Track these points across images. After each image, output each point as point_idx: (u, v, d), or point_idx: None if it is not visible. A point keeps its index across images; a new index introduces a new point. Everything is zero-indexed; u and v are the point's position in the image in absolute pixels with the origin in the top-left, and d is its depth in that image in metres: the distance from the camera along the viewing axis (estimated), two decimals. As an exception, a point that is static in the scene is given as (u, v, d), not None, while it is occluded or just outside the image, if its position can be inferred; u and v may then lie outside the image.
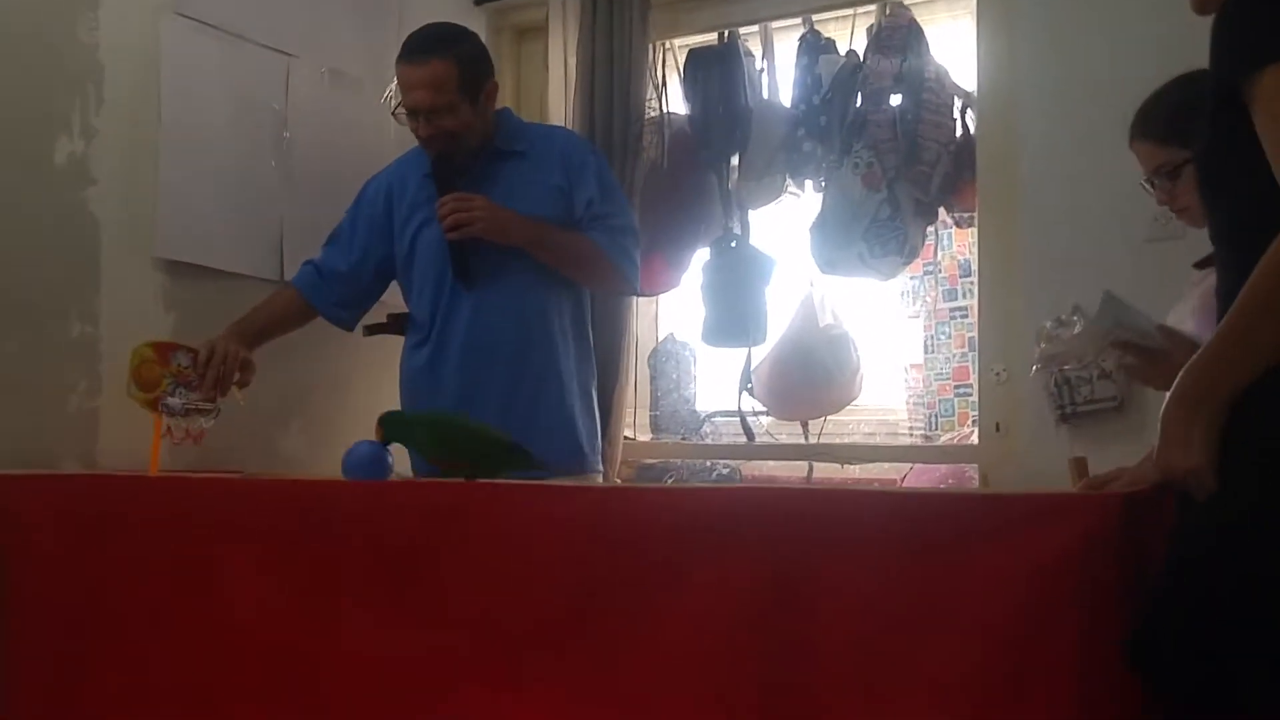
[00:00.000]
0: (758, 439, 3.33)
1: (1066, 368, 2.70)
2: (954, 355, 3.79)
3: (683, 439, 3.54)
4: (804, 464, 3.34)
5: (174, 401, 2.29)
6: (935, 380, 3.84)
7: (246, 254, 2.82)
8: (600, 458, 2.75)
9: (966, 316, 3.60)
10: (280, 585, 2.01)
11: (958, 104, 3.00)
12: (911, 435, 3.80)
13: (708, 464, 3.48)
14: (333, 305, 2.71)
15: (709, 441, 3.53)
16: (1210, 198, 1.44)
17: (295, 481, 2.14)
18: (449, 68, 2.51)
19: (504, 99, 3.49)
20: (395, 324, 2.84)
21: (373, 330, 2.85)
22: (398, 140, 3.19)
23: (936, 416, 3.81)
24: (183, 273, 2.65)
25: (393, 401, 2.72)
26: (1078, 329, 2.70)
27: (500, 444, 2.08)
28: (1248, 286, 1.29)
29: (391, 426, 2.04)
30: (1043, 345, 2.75)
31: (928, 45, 3.03)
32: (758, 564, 1.70)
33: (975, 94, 2.97)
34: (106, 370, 2.44)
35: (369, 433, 2.99)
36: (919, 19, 3.07)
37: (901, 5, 3.06)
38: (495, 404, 2.54)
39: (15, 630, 2.14)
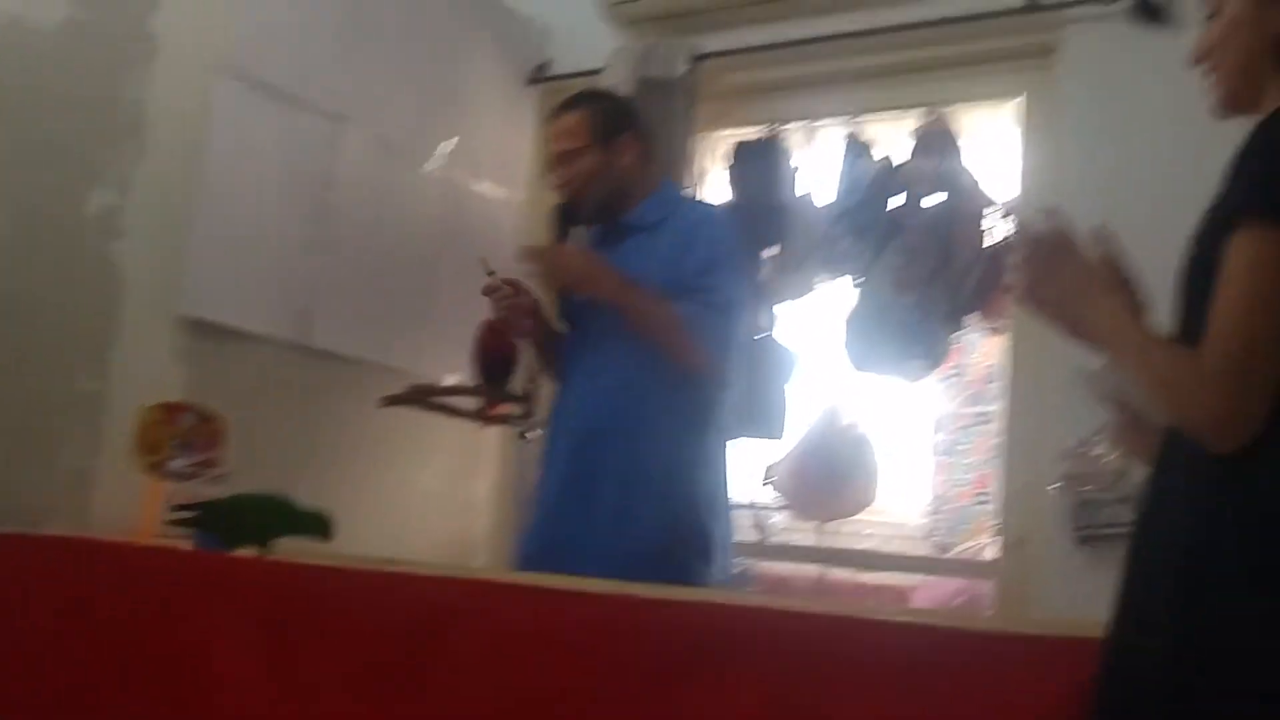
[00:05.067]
0: (772, 537, 3.13)
1: (1087, 489, 2.52)
2: (975, 463, 3.59)
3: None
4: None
5: (177, 465, 2.12)
6: (955, 487, 3.64)
7: (274, 317, 2.68)
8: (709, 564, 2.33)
9: (989, 423, 3.39)
10: (265, 670, 1.85)
11: (991, 213, 2.83)
12: (929, 540, 3.59)
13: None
14: None
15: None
16: (1183, 298, 1.29)
17: (288, 564, 1.97)
18: (581, 116, 2.41)
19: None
20: (415, 395, 2.68)
21: (391, 401, 2.69)
22: (442, 208, 3.09)
23: (956, 523, 3.61)
24: (205, 333, 2.50)
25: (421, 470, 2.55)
26: (1099, 449, 2.53)
27: (286, 512, 1.99)
28: None
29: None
30: (1065, 464, 2.58)
31: (966, 153, 2.88)
32: (756, 686, 1.55)
33: (1014, 201, 2.82)
34: (113, 428, 2.29)
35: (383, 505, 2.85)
36: (962, 122, 2.93)
37: (943, 110, 2.90)
38: (595, 488, 2.33)
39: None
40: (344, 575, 1.94)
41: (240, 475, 2.21)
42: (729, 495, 2.49)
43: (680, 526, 2.31)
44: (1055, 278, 1.35)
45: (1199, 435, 1.18)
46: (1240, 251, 1.15)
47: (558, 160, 2.43)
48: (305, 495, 2.02)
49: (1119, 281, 1.37)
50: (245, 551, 1.97)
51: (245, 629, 1.85)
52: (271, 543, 1.99)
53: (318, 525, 2.00)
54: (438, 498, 3.16)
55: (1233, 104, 1.34)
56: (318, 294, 2.77)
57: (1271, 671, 1.09)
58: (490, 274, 2.43)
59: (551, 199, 2.51)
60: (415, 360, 2.96)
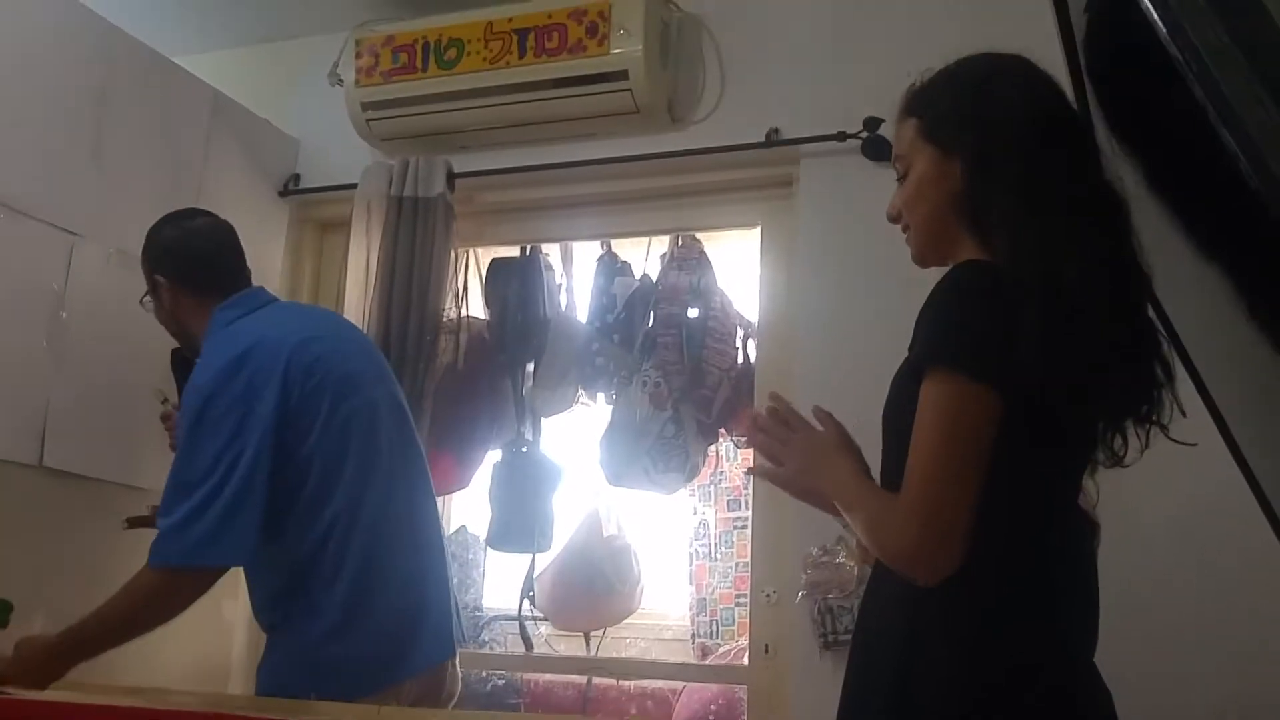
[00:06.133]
0: (538, 648, 3.10)
1: (830, 596, 2.60)
2: (735, 565, 3.67)
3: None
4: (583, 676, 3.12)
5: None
6: (717, 588, 3.71)
7: (4, 437, 2.51)
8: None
9: (747, 527, 3.49)
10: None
11: (740, 333, 2.95)
12: (694, 642, 3.64)
13: (484, 674, 3.21)
14: None
15: (491, 646, 3.28)
16: (887, 438, 1.37)
17: (19, 700, 1.82)
18: (145, 264, 2.42)
19: (300, 293, 3.31)
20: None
21: (135, 523, 2.55)
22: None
23: (718, 624, 3.67)
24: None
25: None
26: (841, 557, 2.62)
27: None
28: None
29: None
30: (808, 572, 2.66)
31: (714, 276, 3.00)
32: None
33: (752, 327, 2.93)
34: None
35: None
36: (709, 245, 3.05)
37: (692, 236, 3.02)
38: None
39: None
40: (74, 712, 1.81)
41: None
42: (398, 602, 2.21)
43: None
44: (787, 461, 1.42)
45: (900, 572, 1.24)
46: (926, 397, 1.23)
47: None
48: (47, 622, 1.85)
49: (840, 443, 1.42)
50: None
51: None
52: None
53: None
54: (189, 619, 2.99)
55: (925, 259, 1.42)
56: (51, 413, 2.61)
57: None
58: (164, 402, 2.42)
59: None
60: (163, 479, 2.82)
